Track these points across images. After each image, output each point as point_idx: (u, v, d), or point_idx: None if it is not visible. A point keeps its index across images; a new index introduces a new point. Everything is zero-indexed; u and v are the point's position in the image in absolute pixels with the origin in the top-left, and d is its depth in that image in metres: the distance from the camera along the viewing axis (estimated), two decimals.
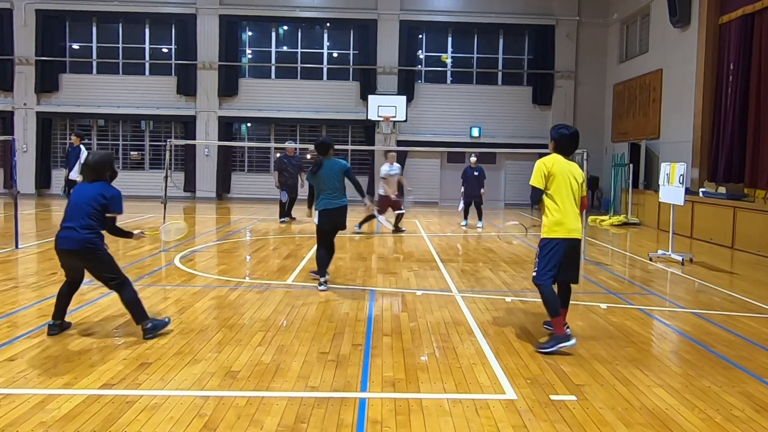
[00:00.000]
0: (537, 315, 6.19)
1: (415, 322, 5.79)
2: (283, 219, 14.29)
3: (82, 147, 13.30)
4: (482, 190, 13.81)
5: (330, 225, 7.12)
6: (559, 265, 5.01)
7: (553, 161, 5.03)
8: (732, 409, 3.91)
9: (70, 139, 14.83)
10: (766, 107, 12.49)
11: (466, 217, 14.28)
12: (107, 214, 5.00)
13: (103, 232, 5.05)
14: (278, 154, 15.62)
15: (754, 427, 3.67)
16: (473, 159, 13.95)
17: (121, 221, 5.16)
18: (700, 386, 4.30)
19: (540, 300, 6.84)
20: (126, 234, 5.25)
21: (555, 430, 3.56)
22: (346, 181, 7.13)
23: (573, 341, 4.91)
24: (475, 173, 13.69)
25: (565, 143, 5.10)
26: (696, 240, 12.86)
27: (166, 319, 5.34)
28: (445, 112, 20.96)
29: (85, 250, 4.89)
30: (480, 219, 14.01)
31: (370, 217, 11.93)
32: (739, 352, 5.11)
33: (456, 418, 3.68)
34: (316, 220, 7.29)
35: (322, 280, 7.13)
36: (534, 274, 5.08)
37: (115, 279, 5.02)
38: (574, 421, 3.67)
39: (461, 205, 14.11)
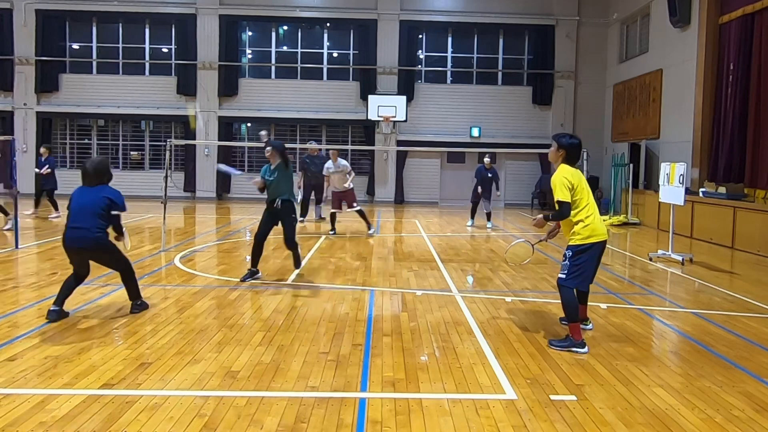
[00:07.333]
0: (537, 315, 6.20)
1: (415, 322, 5.79)
2: (322, 216, 14.35)
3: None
4: (497, 192, 13.79)
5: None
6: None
7: (571, 172, 5.08)
8: (732, 409, 3.91)
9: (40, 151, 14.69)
10: (766, 107, 12.48)
11: (472, 217, 14.27)
12: (113, 212, 5.63)
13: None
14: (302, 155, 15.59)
15: (754, 427, 3.67)
16: (487, 160, 13.75)
17: (123, 221, 5.27)
18: (700, 386, 4.30)
19: (541, 300, 6.92)
20: (122, 229, 5.88)
21: (555, 430, 3.56)
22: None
23: (586, 349, 4.97)
24: (489, 174, 13.68)
25: (575, 152, 5.17)
26: (696, 240, 12.86)
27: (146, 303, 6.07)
28: (445, 112, 20.95)
29: (99, 248, 5.61)
30: (486, 219, 14.08)
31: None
32: (739, 352, 5.11)
33: (456, 418, 3.68)
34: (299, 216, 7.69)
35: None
36: (561, 275, 5.05)
37: (123, 264, 5.87)
38: (574, 421, 3.67)
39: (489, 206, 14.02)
